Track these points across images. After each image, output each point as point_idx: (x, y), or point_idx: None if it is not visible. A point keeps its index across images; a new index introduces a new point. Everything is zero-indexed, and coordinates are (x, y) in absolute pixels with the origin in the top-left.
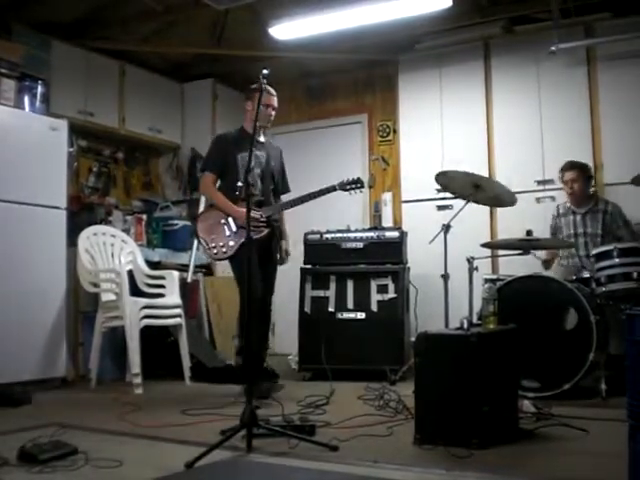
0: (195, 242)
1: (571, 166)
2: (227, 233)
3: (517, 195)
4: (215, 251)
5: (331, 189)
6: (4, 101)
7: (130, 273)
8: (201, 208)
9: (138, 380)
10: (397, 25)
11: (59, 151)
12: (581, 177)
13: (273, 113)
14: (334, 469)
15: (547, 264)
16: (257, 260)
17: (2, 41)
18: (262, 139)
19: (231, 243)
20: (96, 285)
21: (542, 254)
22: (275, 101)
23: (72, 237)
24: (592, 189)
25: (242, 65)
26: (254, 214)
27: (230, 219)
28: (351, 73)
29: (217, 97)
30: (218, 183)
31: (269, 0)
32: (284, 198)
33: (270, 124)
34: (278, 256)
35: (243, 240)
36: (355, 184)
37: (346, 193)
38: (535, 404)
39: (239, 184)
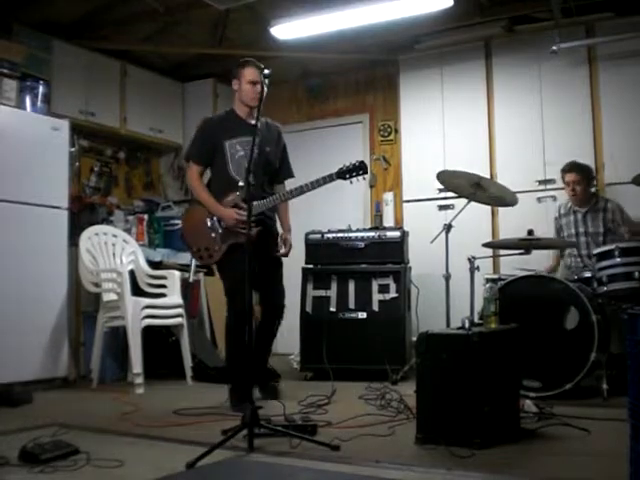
0: None
1: (572, 168)
2: (212, 235)
3: (518, 195)
4: (200, 255)
5: (328, 179)
6: (5, 101)
7: (131, 273)
8: None
9: (139, 380)
10: (398, 25)
11: (60, 151)
12: (583, 179)
13: (259, 88)
14: (336, 469)
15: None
16: (254, 266)
17: (3, 41)
18: (258, 122)
19: (216, 247)
20: (97, 285)
21: (545, 267)
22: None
23: (73, 237)
24: (593, 189)
25: None
26: (239, 216)
27: (215, 218)
28: (352, 73)
29: (218, 97)
30: (208, 174)
31: (270, 0)
32: (288, 184)
33: (259, 102)
34: (281, 249)
35: (230, 243)
36: (357, 171)
37: (347, 182)
38: (536, 404)
39: (240, 184)
